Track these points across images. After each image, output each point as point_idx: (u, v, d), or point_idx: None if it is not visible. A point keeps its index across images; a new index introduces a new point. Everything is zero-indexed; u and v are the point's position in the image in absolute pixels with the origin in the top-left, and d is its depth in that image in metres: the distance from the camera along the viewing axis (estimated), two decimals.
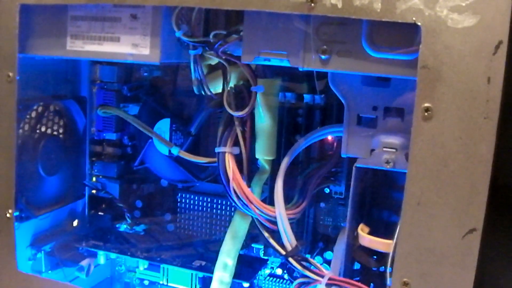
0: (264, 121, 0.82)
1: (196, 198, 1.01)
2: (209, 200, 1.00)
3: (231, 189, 0.78)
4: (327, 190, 0.92)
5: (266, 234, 0.81)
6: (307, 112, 0.87)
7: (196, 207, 1.02)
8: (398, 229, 0.67)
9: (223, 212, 1.00)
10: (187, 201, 1.02)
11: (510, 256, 0.92)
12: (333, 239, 0.90)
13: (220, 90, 0.84)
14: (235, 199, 0.79)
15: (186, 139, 0.94)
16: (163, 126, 0.95)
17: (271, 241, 0.80)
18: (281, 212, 0.78)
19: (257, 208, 0.78)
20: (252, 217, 0.83)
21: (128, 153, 1.05)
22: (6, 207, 0.82)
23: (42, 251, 0.94)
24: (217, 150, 0.80)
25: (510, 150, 0.82)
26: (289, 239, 0.78)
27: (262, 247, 0.97)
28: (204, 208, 1.01)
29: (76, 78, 1.00)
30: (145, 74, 1.01)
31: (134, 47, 0.75)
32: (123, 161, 1.05)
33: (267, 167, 0.86)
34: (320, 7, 0.64)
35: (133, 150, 1.04)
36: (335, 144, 0.87)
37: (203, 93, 0.83)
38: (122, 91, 1.00)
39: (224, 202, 1.00)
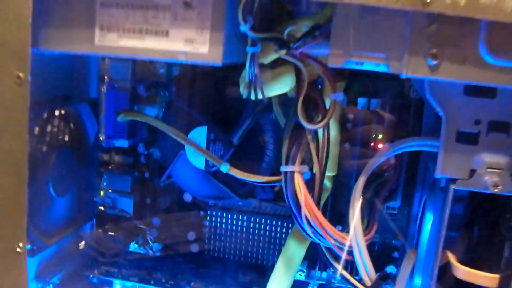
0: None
1: (230, 216, 0.87)
2: (245, 218, 0.86)
3: (303, 216, 0.66)
4: None
5: (337, 266, 0.69)
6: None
7: (228, 226, 0.88)
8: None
9: (262, 232, 0.87)
10: (217, 219, 0.88)
11: None
12: (381, 255, 0.84)
13: (271, 94, 0.71)
14: (307, 227, 0.66)
15: (227, 152, 0.79)
16: (197, 135, 0.80)
17: (346, 274, 0.69)
18: (359, 242, 0.66)
19: (332, 237, 0.66)
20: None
21: (142, 162, 0.89)
22: (16, 240, 0.66)
23: (51, 285, 0.79)
24: (283, 169, 0.67)
25: None
26: (369, 272, 0.67)
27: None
28: (239, 228, 0.87)
29: (82, 75, 0.84)
30: (161, 70, 0.86)
31: (187, 43, 0.60)
32: (137, 172, 0.89)
33: (328, 184, 0.74)
34: (438, 3, 0.52)
35: (147, 159, 0.89)
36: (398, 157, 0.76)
37: (252, 97, 0.70)
38: (137, 91, 0.85)
39: (262, 221, 0.86)
